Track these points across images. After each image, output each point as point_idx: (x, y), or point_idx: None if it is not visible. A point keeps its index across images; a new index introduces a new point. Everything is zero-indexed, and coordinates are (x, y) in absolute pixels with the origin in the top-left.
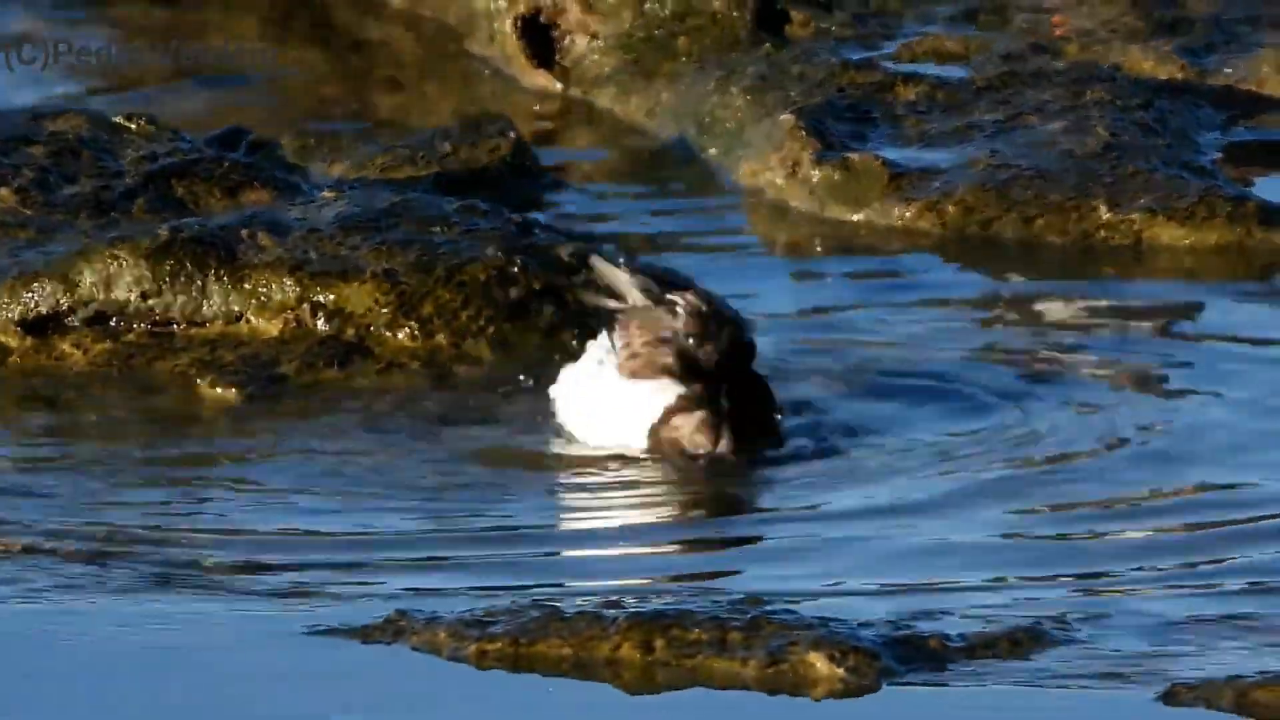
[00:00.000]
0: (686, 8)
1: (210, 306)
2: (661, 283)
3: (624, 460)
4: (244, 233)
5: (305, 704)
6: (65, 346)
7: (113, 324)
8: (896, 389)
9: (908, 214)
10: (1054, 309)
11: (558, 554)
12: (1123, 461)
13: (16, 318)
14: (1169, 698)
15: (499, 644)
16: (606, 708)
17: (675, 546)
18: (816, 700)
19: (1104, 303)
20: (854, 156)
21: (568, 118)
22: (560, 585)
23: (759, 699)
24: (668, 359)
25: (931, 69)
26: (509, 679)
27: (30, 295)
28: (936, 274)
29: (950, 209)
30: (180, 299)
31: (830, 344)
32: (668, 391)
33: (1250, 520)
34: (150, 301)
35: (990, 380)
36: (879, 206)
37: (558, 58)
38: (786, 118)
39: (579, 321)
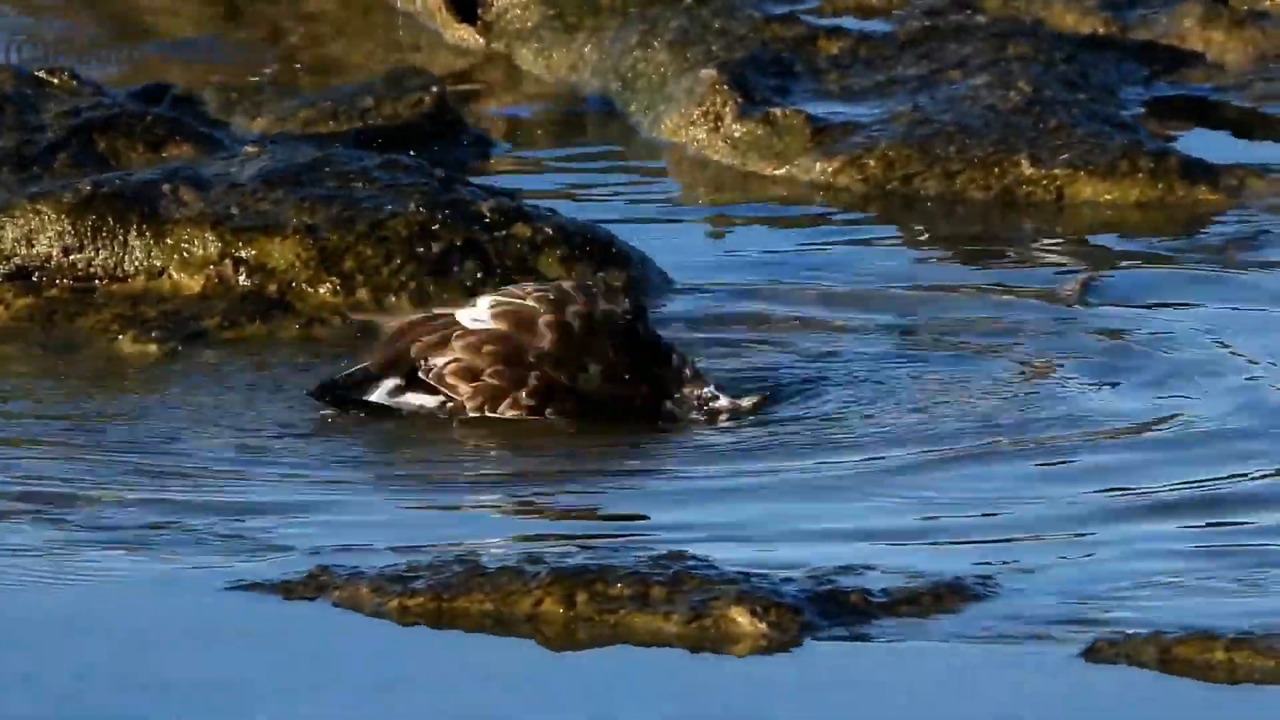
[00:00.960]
0: None
1: (132, 262)
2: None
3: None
4: (166, 188)
5: (225, 664)
6: None
7: (34, 279)
8: (816, 353)
9: (830, 169)
10: (974, 270)
11: (476, 507)
12: (1042, 426)
13: None
14: (1092, 654)
15: (421, 599)
16: (529, 663)
17: (597, 503)
18: (740, 657)
19: (1024, 262)
20: (776, 111)
21: (490, 72)
22: (482, 540)
23: (682, 655)
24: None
25: (854, 23)
26: (431, 634)
27: None
28: (857, 231)
29: (872, 164)
30: (102, 254)
31: (750, 306)
32: None
33: (1170, 487)
34: (72, 257)
35: (912, 345)
36: (801, 161)
37: (480, 12)
38: (709, 72)
39: (500, 276)
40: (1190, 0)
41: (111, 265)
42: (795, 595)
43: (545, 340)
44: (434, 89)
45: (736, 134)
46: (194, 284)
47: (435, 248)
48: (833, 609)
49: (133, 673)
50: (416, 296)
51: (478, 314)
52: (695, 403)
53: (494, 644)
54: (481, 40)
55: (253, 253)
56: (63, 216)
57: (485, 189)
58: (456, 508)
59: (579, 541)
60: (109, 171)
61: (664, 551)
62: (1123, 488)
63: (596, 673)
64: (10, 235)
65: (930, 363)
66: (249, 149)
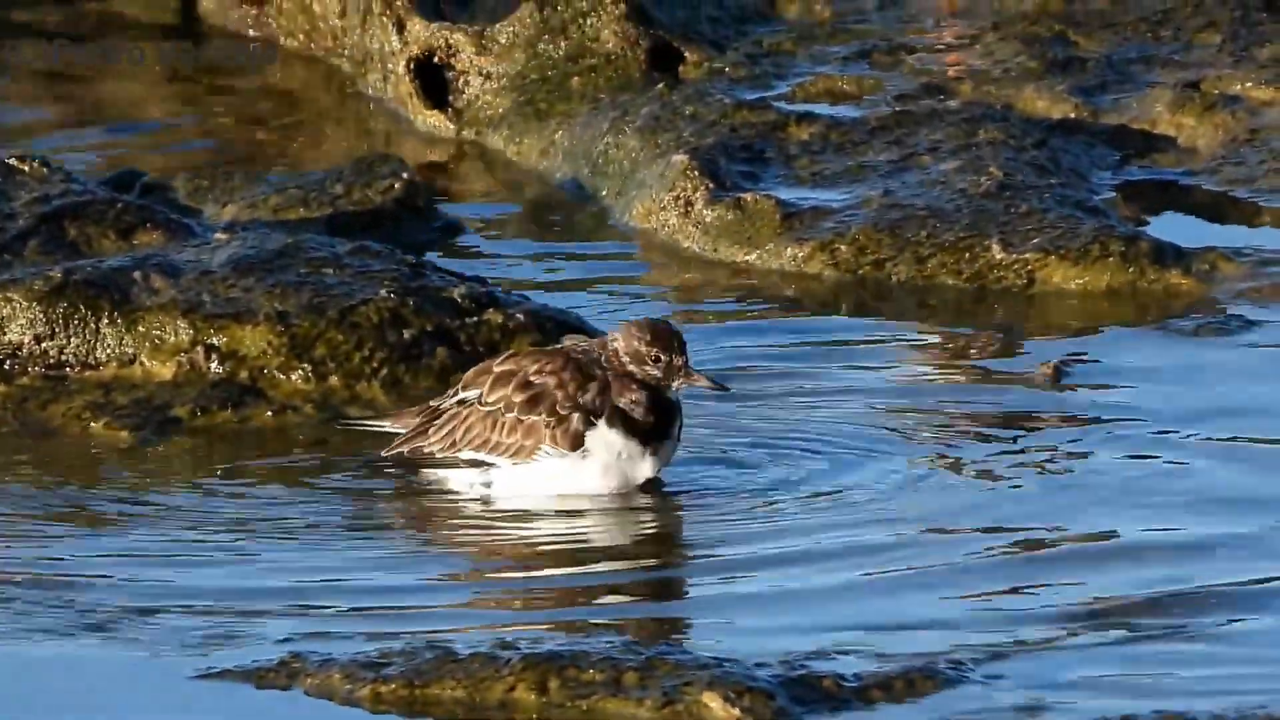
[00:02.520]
0: (580, 48)
1: (104, 349)
2: None
3: (519, 504)
4: (137, 275)
5: None
6: None
7: (6, 367)
8: (788, 439)
9: (800, 254)
10: (945, 356)
11: (452, 596)
12: (1013, 511)
13: None
14: None
15: (394, 685)
16: None
17: (570, 589)
18: None
19: (995, 349)
20: (747, 196)
21: (461, 159)
22: (454, 627)
23: None
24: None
25: (825, 109)
26: None
27: None
28: (828, 319)
29: (843, 249)
30: (74, 342)
31: (722, 392)
32: None
33: (1141, 565)
34: (44, 344)
35: (881, 431)
36: (772, 247)
37: (451, 99)
38: (680, 158)
39: (470, 364)
40: (1161, 85)
41: (83, 353)
42: (769, 680)
43: None
44: (404, 175)
45: (707, 219)
46: (165, 371)
47: (406, 334)
48: (806, 693)
49: None
50: (388, 383)
51: None
52: None
53: None
54: (452, 127)
55: (224, 340)
56: (34, 304)
57: (456, 275)
58: (426, 598)
59: (550, 626)
60: (79, 259)
61: (635, 637)
62: (1091, 571)
63: None
64: None
65: (901, 456)
66: (220, 236)
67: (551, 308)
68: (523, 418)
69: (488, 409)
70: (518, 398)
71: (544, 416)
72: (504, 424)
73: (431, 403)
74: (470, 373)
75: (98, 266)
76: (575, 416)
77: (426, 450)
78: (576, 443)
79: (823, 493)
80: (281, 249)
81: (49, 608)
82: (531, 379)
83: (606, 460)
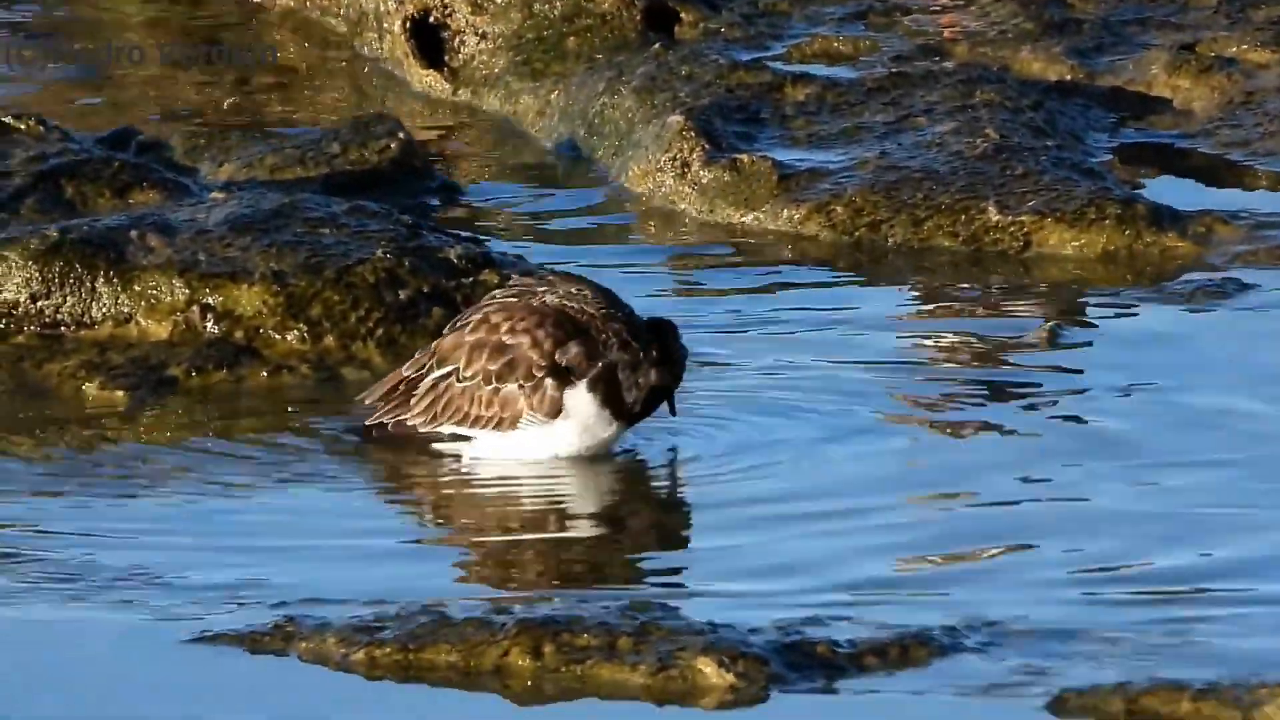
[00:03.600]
0: (576, 8)
1: (99, 308)
2: None
3: (510, 462)
4: (133, 234)
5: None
6: None
7: (1, 326)
8: (783, 402)
9: (797, 215)
10: (941, 318)
11: (446, 560)
12: (1009, 475)
13: None
14: (1058, 705)
15: (388, 649)
16: (497, 714)
17: (562, 554)
18: (707, 710)
19: (991, 311)
20: (743, 158)
21: (457, 118)
22: (449, 590)
23: (649, 709)
24: None
25: (821, 70)
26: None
27: None
28: (824, 280)
29: (839, 210)
30: (69, 301)
31: (716, 352)
32: None
33: (1137, 530)
34: (39, 303)
35: (877, 394)
36: (768, 208)
37: (447, 59)
38: (676, 119)
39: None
40: (1157, 47)
41: (79, 312)
42: (762, 646)
43: None
44: (401, 135)
45: (704, 180)
46: (161, 330)
47: (402, 294)
48: (800, 660)
49: None
50: (383, 343)
51: None
52: None
53: (460, 697)
54: (448, 86)
55: (220, 299)
56: (29, 263)
57: (452, 235)
58: (422, 560)
59: (546, 589)
60: (75, 218)
61: (629, 601)
62: (1088, 536)
63: None
64: None
65: (900, 421)
66: (216, 195)
67: (547, 268)
68: (500, 387)
69: (464, 384)
70: (492, 366)
71: (520, 384)
72: (481, 397)
73: (404, 371)
74: (448, 343)
75: (94, 225)
76: (549, 382)
77: (410, 423)
78: (555, 410)
79: (817, 456)
80: (278, 208)
81: (41, 571)
82: (505, 340)
83: (585, 422)
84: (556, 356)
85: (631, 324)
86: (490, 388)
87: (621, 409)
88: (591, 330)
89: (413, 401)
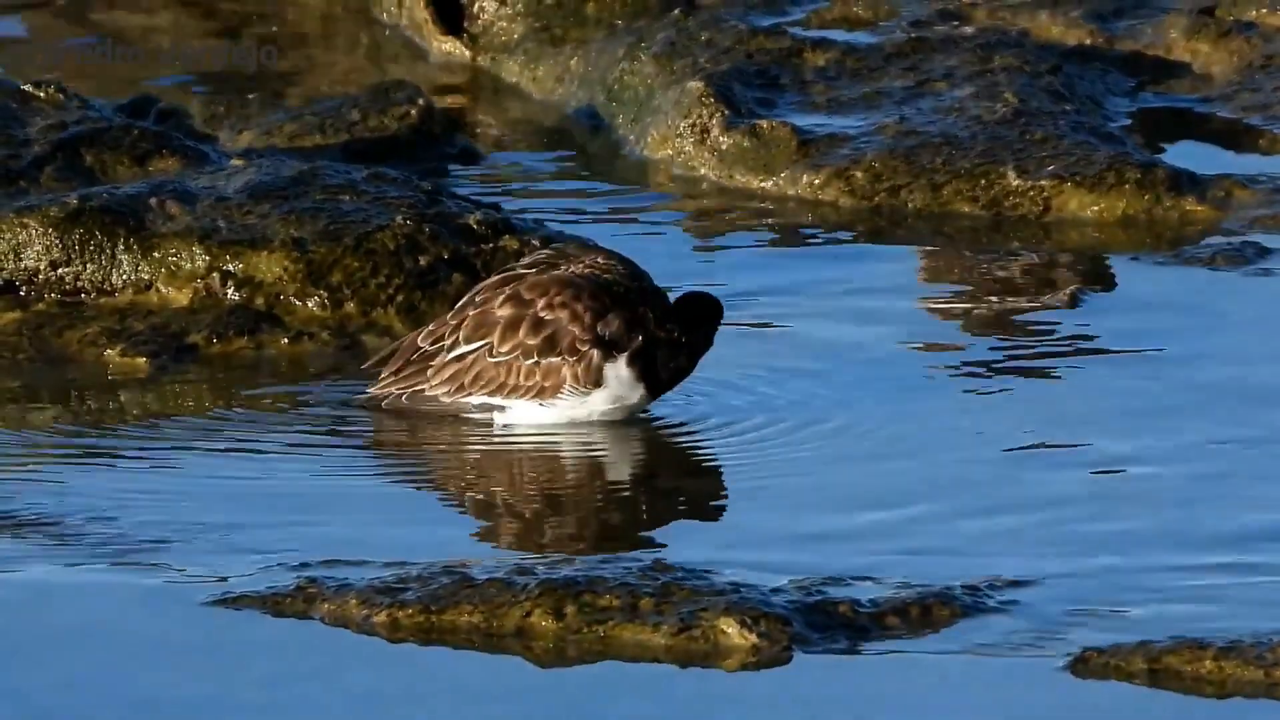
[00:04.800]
0: None
1: (120, 276)
2: None
3: (535, 426)
4: (153, 201)
5: (211, 680)
6: None
7: (22, 293)
8: (803, 367)
9: (816, 181)
10: (960, 283)
11: (468, 522)
12: (1029, 438)
13: None
14: (1080, 663)
15: (410, 610)
16: (519, 676)
17: (585, 515)
18: (730, 670)
19: (1011, 276)
20: (763, 123)
21: (476, 85)
22: (471, 552)
23: (671, 670)
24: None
25: (840, 35)
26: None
27: None
28: (844, 246)
29: (859, 176)
30: (90, 268)
31: (737, 317)
32: None
33: (1156, 492)
34: (60, 270)
35: (896, 359)
36: (788, 174)
37: (466, 25)
38: (695, 84)
39: None
40: (1176, 11)
41: (99, 279)
42: (784, 606)
43: None
44: (420, 101)
45: (723, 146)
46: (182, 297)
47: (422, 261)
48: (822, 620)
49: (118, 688)
50: (403, 309)
51: None
52: None
53: (482, 658)
54: (468, 53)
55: (240, 266)
56: (50, 230)
57: (472, 202)
58: (442, 522)
59: (568, 551)
60: (95, 185)
61: (651, 562)
62: (1107, 494)
63: (585, 689)
64: None
65: (923, 373)
66: (236, 162)
67: (566, 235)
68: (541, 360)
69: (499, 359)
70: (532, 341)
71: (564, 356)
72: (520, 369)
73: (421, 342)
74: (473, 319)
75: (114, 193)
76: (595, 353)
77: (429, 394)
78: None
79: (838, 421)
80: (297, 175)
81: (63, 536)
82: (542, 315)
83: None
84: (599, 329)
85: (660, 296)
86: (530, 361)
87: (656, 383)
88: (629, 300)
89: (430, 373)
